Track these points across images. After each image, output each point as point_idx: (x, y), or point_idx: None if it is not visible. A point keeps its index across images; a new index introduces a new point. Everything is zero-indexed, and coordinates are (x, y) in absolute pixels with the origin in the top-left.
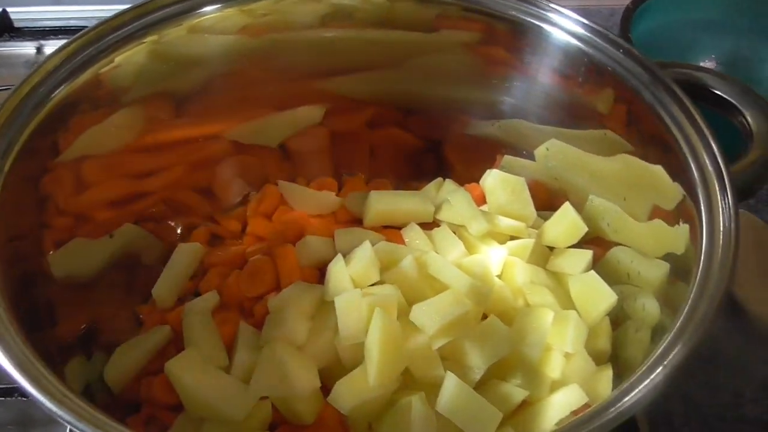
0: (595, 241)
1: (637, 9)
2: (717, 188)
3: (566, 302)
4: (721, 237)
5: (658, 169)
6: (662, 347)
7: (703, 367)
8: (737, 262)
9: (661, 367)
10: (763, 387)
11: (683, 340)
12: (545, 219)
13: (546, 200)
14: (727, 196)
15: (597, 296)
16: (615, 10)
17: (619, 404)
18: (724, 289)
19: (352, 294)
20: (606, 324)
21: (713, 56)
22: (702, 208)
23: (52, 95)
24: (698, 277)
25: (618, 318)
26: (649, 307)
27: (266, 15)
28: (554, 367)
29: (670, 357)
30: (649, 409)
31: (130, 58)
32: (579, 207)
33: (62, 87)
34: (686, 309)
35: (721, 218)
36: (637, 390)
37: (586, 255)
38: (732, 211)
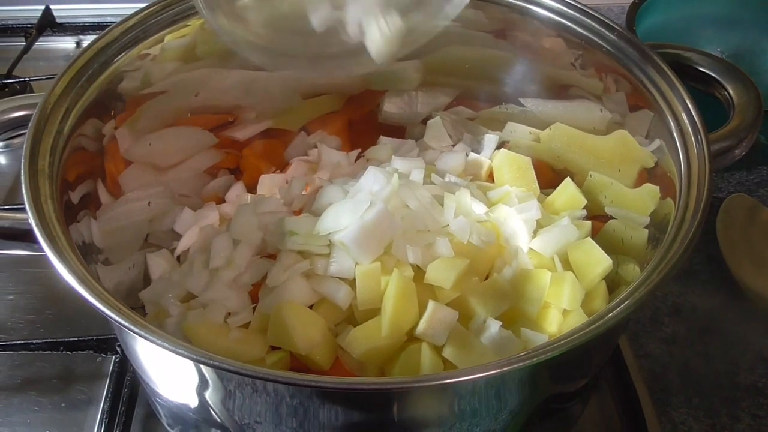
0: (595, 217)
1: (643, 4)
2: (693, 141)
3: (566, 268)
4: (696, 184)
5: (641, 138)
6: (636, 281)
7: (700, 338)
8: (708, 207)
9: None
10: (758, 357)
11: (660, 267)
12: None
13: (551, 179)
14: (702, 144)
15: (593, 260)
16: (625, 8)
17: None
18: (693, 233)
19: (371, 266)
20: (602, 287)
21: (718, 50)
22: (681, 163)
23: (102, 70)
24: (673, 225)
25: (614, 283)
26: (636, 270)
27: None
28: (551, 322)
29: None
30: (649, 378)
31: (173, 41)
32: (580, 184)
33: (111, 63)
34: (660, 252)
35: (697, 167)
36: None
37: (585, 225)
38: (706, 158)
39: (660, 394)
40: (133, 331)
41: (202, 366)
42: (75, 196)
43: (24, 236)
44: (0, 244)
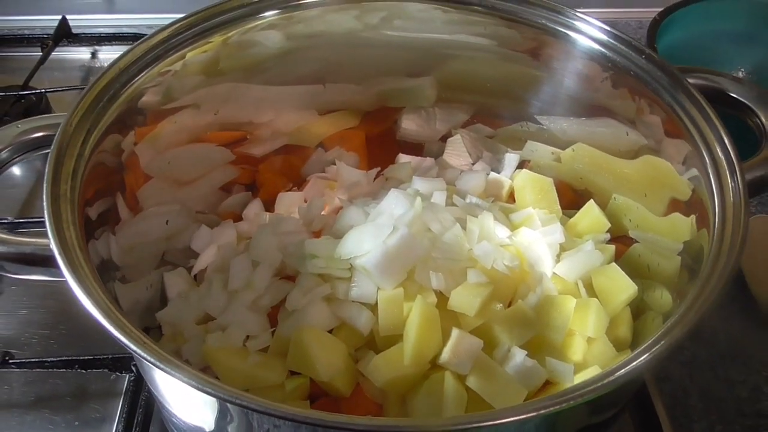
0: (618, 239)
1: (664, 21)
2: (728, 175)
3: (590, 293)
4: (732, 219)
5: (676, 166)
6: (670, 321)
7: (722, 363)
8: (745, 243)
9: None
10: None
11: (690, 313)
12: (570, 218)
13: (572, 200)
14: (737, 180)
15: (618, 287)
16: (643, 23)
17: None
18: (731, 269)
19: (394, 292)
20: (627, 314)
21: (740, 67)
22: (715, 196)
23: (124, 89)
24: (709, 259)
25: (639, 309)
26: (665, 296)
27: (310, 22)
28: (576, 351)
29: (674, 331)
30: (670, 403)
31: (194, 57)
32: (603, 206)
33: (133, 82)
34: (697, 286)
35: (732, 202)
36: (641, 358)
37: (609, 249)
38: (742, 195)
39: (682, 420)
40: (160, 367)
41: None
42: (94, 213)
43: (45, 262)
44: (22, 270)
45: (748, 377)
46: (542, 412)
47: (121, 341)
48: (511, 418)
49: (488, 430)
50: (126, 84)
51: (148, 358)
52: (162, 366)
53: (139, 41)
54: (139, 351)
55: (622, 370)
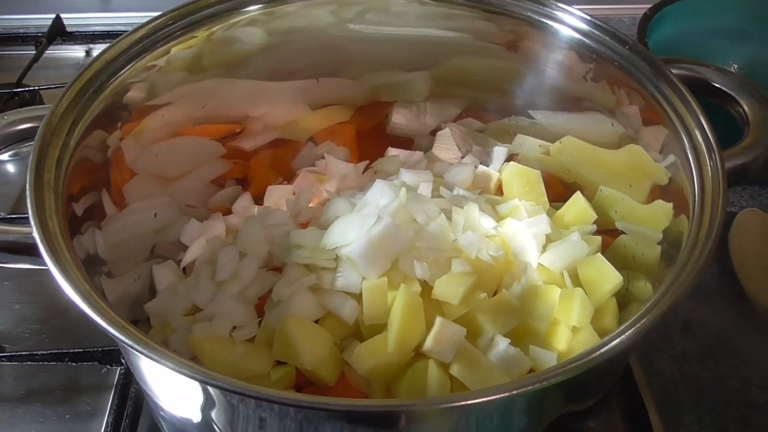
0: (605, 232)
1: (655, 16)
2: (707, 159)
3: (575, 284)
4: (711, 202)
5: (654, 153)
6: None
7: (712, 356)
8: (723, 220)
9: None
10: None
11: (666, 297)
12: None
13: (560, 192)
14: (717, 163)
15: (603, 277)
16: (635, 19)
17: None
18: (709, 250)
19: (378, 281)
20: (612, 304)
21: (732, 63)
22: (694, 180)
23: (109, 82)
24: (688, 242)
25: (624, 300)
26: (648, 287)
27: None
28: (560, 340)
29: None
30: (659, 396)
31: (179, 52)
32: (590, 198)
33: (118, 75)
34: (675, 270)
35: (711, 186)
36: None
37: (596, 240)
38: (720, 178)
39: (671, 412)
40: (136, 350)
41: (207, 386)
42: (79, 208)
43: (28, 250)
44: (5, 258)
45: (737, 370)
46: (515, 392)
47: (100, 325)
48: (489, 398)
49: (470, 410)
50: (111, 77)
51: (127, 341)
52: (140, 348)
53: (124, 34)
54: (118, 335)
55: (600, 351)
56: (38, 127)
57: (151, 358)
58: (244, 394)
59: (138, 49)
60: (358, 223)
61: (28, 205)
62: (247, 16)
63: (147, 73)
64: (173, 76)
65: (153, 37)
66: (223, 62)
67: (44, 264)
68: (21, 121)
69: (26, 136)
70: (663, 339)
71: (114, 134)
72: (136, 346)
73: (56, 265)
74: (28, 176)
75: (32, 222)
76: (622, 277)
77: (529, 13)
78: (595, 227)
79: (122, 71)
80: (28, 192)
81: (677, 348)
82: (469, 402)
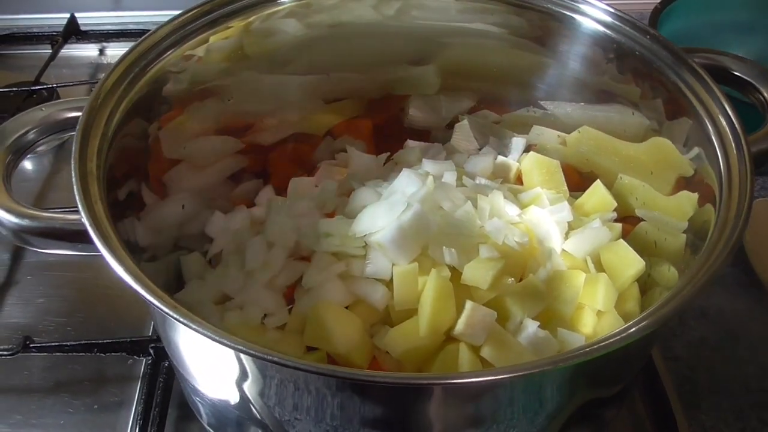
0: (625, 219)
1: (665, 9)
2: (734, 146)
3: (598, 269)
4: (738, 187)
5: (680, 145)
6: (680, 283)
7: (729, 343)
8: (750, 210)
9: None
10: None
11: (700, 274)
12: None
13: (578, 182)
14: (743, 150)
15: (626, 263)
16: (644, 14)
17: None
18: (737, 234)
19: (409, 267)
20: (635, 289)
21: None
22: (721, 167)
23: (148, 69)
24: (716, 228)
25: (646, 285)
26: (672, 272)
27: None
28: (586, 323)
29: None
30: (677, 381)
31: (217, 43)
32: (609, 186)
33: (154, 64)
34: (704, 254)
35: (738, 171)
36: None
37: (616, 227)
38: (747, 164)
39: (689, 396)
40: (189, 326)
41: (244, 358)
42: (119, 196)
43: (73, 236)
44: (49, 244)
45: (754, 356)
46: (558, 364)
47: (155, 305)
48: (525, 372)
49: (492, 387)
50: (146, 67)
51: (186, 322)
52: (191, 323)
53: (160, 25)
54: (175, 315)
55: (633, 329)
56: (75, 117)
57: (197, 330)
58: (299, 369)
59: (172, 40)
60: (387, 210)
61: (75, 192)
62: (283, 8)
63: (185, 62)
64: (211, 68)
65: (187, 28)
66: (261, 54)
67: (90, 249)
68: (58, 112)
69: (63, 127)
70: (679, 325)
71: (153, 123)
72: (192, 325)
73: (107, 248)
74: (72, 165)
75: (81, 208)
76: (644, 263)
77: (549, 5)
78: (615, 215)
79: (157, 61)
80: (74, 180)
81: (695, 334)
82: (506, 376)
